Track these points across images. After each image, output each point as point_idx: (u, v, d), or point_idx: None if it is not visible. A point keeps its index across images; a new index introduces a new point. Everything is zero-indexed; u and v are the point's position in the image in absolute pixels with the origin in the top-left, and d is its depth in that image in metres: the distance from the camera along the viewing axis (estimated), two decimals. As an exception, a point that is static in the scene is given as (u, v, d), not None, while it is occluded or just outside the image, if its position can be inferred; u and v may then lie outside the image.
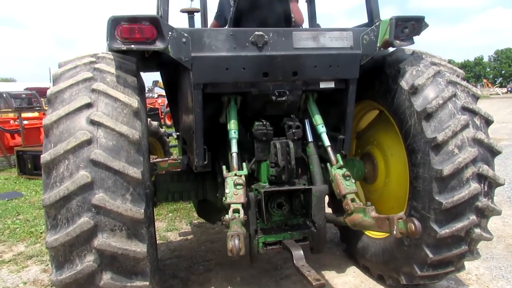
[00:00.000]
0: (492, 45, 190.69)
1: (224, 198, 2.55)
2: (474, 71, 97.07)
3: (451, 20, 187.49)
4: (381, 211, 3.14)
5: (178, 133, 4.30)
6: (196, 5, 4.16)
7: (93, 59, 2.52)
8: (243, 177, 2.59)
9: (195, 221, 5.28)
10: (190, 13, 4.35)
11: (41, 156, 2.13)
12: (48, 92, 2.31)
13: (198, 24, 4.26)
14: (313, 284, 2.33)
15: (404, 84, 2.83)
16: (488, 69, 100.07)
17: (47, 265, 4.02)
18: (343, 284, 3.37)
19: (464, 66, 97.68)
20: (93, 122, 2.18)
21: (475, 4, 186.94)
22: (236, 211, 2.43)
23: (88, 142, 2.13)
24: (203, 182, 3.32)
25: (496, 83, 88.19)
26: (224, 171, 2.70)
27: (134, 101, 2.36)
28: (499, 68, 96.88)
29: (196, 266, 3.86)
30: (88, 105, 2.22)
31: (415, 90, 2.76)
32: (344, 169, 2.78)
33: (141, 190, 2.21)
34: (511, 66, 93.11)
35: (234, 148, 2.76)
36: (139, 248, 2.16)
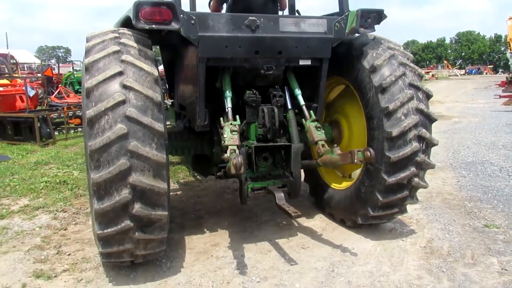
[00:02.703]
0: (455, 28, 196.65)
1: (222, 142, 3.21)
2: (436, 52, 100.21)
3: (419, 1, 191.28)
4: (345, 165, 3.91)
5: (172, 101, 4.88)
6: None
7: (117, 35, 3.06)
8: (237, 126, 3.26)
9: (182, 180, 5.92)
10: None
11: (86, 112, 2.68)
12: (86, 61, 2.85)
13: (185, 4, 4.80)
14: (292, 215, 3.08)
15: (366, 64, 3.55)
16: (449, 51, 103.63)
17: (55, 214, 4.56)
18: (312, 227, 4.13)
19: (426, 47, 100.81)
20: (125, 87, 2.74)
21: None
22: (232, 151, 3.08)
23: (123, 102, 2.70)
24: (201, 140, 3.97)
25: (456, 64, 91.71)
26: (222, 122, 3.36)
27: (154, 70, 2.94)
28: (460, 50, 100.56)
29: (188, 215, 4.54)
30: (120, 73, 2.78)
31: (374, 69, 3.48)
32: (316, 122, 3.53)
33: (162, 141, 2.81)
34: (471, 48, 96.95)
35: (229, 104, 3.43)
36: (162, 185, 2.79)
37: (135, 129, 2.69)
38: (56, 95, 16.47)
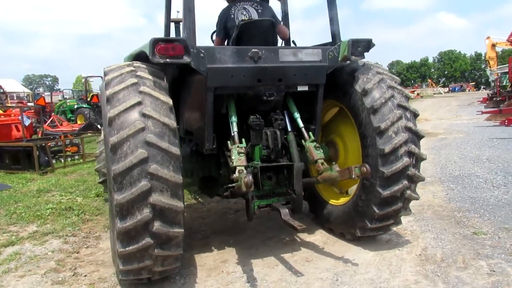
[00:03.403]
0: (437, 47, 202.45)
1: (231, 163, 3.48)
2: (420, 72, 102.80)
3: (402, 22, 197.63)
4: (342, 181, 4.19)
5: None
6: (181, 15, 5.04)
7: (133, 68, 3.35)
8: (243, 148, 3.55)
9: (185, 203, 6.12)
10: (177, 22, 5.22)
11: (110, 139, 2.94)
12: (107, 93, 3.12)
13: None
14: (297, 228, 3.34)
15: (358, 88, 3.89)
16: (433, 70, 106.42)
17: (66, 238, 4.73)
18: (314, 241, 4.38)
19: (411, 66, 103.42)
20: (144, 115, 3.02)
21: (421, 6, 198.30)
22: (241, 171, 3.35)
23: (143, 129, 2.97)
24: (209, 162, 4.23)
25: (440, 82, 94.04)
26: (229, 145, 3.64)
27: (169, 100, 3.23)
28: (442, 68, 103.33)
29: (195, 235, 4.75)
30: (139, 103, 3.06)
31: (365, 92, 3.82)
32: (315, 142, 3.84)
33: (178, 164, 3.08)
34: (453, 67, 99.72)
35: (235, 128, 3.74)
36: (179, 204, 3.04)
37: (154, 153, 2.95)
38: (49, 123, 16.64)
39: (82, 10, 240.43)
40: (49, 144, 10.01)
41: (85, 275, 3.76)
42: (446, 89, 72.92)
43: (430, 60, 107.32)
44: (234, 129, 3.74)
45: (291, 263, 3.83)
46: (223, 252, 4.18)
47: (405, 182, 3.75)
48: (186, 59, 3.36)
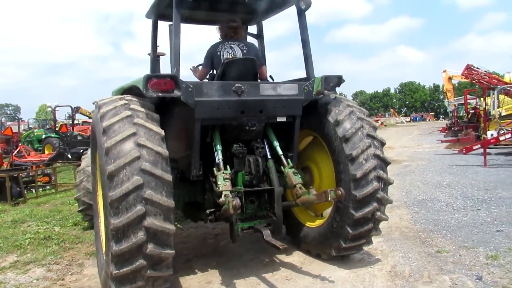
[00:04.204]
0: (398, 78, 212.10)
1: (217, 188, 3.74)
2: (383, 101, 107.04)
3: (364, 54, 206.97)
4: (317, 205, 4.52)
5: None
6: (161, 50, 5.36)
7: (126, 102, 3.59)
8: (228, 174, 3.83)
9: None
10: (157, 56, 5.55)
11: (107, 167, 3.13)
12: (103, 125, 3.31)
13: (165, 65, 5.47)
14: (280, 247, 3.61)
15: (331, 119, 4.28)
16: (395, 100, 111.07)
17: (49, 267, 4.75)
18: (292, 262, 4.64)
19: (374, 96, 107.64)
20: (139, 145, 3.25)
21: (382, 40, 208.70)
22: (227, 195, 3.61)
23: (138, 157, 3.19)
24: (194, 188, 4.46)
25: (402, 112, 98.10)
26: (215, 171, 3.91)
27: (161, 130, 3.48)
28: (404, 99, 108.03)
29: (178, 258, 4.87)
30: (134, 134, 3.29)
31: (337, 123, 4.21)
32: (293, 169, 4.16)
33: (170, 189, 3.31)
34: (413, 97, 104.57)
35: (220, 155, 4.03)
36: (170, 227, 3.25)
37: (149, 180, 3.17)
38: (16, 154, 16.28)
39: (47, 38, 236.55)
40: (20, 174, 9.90)
41: (74, 301, 3.86)
42: (408, 119, 76.13)
43: (392, 91, 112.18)
44: (219, 156, 4.03)
45: (272, 282, 4.07)
46: (207, 274, 4.37)
47: (375, 204, 4.12)
48: (176, 93, 3.65)
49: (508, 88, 13.11)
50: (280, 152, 4.30)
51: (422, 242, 5.12)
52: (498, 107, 14.65)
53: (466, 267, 4.23)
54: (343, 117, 4.22)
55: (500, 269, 4.10)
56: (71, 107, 21.27)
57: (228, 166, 4.01)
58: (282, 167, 4.26)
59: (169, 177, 3.29)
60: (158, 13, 4.83)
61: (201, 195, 4.49)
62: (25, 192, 9.81)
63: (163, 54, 5.36)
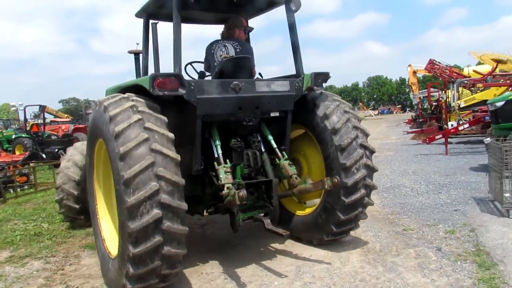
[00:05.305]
0: (366, 73, 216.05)
1: (219, 181, 4.01)
2: (351, 96, 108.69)
3: (334, 49, 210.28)
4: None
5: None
6: (141, 47, 5.35)
7: (133, 103, 3.59)
8: (229, 168, 4.11)
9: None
10: (136, 54, 5.63)
11: (122, 174, 3.18)
12: (115, 129, 3.34)
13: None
14: (283, 234, 3.96)
15: (319, 112, 4.52)
16: (363, 94, 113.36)
17: (46, 259, 4.99)
18: (284, 248, 4.99)
19: (343, 91, 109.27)
20: (152, 150, 3.30)
21: (351, 35, 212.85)
22: (229, 188, 3.90)
23: (153, 163, 3.25)
24: (194, 182, 4.56)
25: (370, 106, 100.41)
26: (216, 165, 4.18)
27: (170, 134, 3.53)
28: (372, 92, 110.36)
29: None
30: (147, 139, 3.33)
31: (326, 116, 4.45)
32: (288, 160, 4.48)
33: (182, 192, 3.40)
34: (381, 91, 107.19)
35: (219, 150, 4.26)
36: (184, 227, 3.38)
37: (163, 185, 3.27)
38: (-15, 155, 15.98)
39: (6, 34, 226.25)
40: (-1, 175, 9.90)
41: (77, 287, 4.15)
42: (376, 112, 77.92)
43: (360, 85, 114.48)
44: (219, 151, 4.25)
45: (260, 261, 4.51)
46: (199, 257, 4.75)
47: (363, 190, 4.39)
48: (181, 91, 3.80)
49: (466, 81, 14.00)
50: (275, 146, 4.57)
51: (390, 223, 5.70)
52: (458, 99, 15.56)
53: (428, 241, 4.82)
54: (330, 110, 4.47)
55: (456, 241, 4.72)
56: (40, 106, 20.76)
57: (228, 160, 4.26)
58: (277, 159, 4.53)
59: (182, 180, 3.38)
60: (150, 13, 4.93)
61: (201, 189, 4.63)
62: (4, 192, 9.82)
63: (140, 52, 5.39)
